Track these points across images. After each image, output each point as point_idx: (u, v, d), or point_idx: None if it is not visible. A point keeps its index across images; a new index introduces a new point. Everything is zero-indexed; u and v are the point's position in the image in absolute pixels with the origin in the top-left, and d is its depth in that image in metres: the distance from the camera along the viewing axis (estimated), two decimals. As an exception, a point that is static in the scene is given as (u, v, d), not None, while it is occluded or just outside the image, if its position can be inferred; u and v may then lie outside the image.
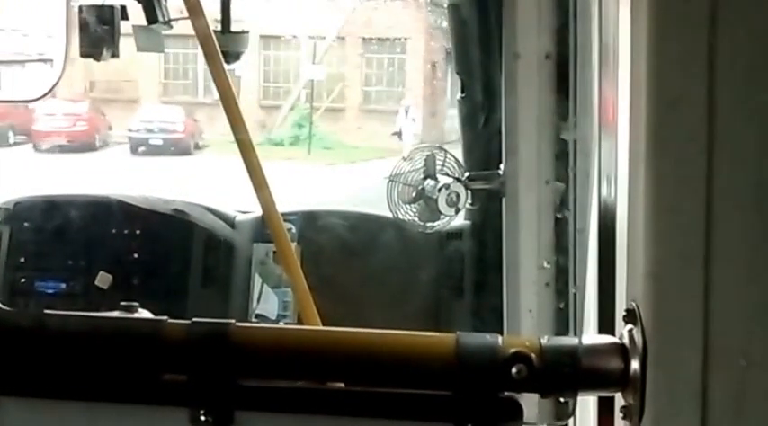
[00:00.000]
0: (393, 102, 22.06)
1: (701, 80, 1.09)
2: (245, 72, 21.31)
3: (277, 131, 22.12)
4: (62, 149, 19.41)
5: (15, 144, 19.58)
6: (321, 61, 22.21)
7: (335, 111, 22.48)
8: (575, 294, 2.35)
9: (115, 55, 2.98)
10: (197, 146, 20.94)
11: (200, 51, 2.82)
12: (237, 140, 2.71)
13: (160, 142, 20.18)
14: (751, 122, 1.10)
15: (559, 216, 2.49)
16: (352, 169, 18.78)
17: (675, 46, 1.10)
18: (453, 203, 2.79)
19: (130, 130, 20.55)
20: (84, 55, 2.95)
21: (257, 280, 3.54)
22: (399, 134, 20.71)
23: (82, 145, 19.78)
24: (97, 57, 2.98)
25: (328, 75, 22.35)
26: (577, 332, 2.28)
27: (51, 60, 2.92)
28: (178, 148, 19.93)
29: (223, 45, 2.80)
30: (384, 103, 22.43)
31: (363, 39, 22.40)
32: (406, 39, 21.34)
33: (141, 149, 20.18)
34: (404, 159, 2.89)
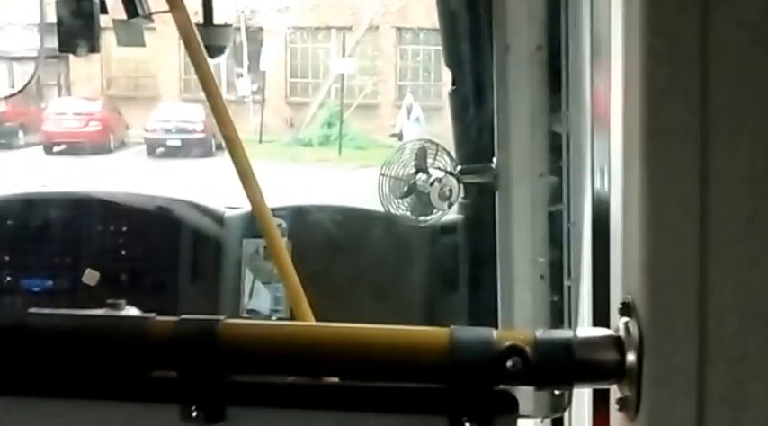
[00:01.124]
0: (431, 97, 20.43)
1: (694, 71, 1.09)
2: (271, 67, 20.58)
3: (305, 130, 20.92)
4: (73, 151, 18.41)
5: (27, 145, 18.73)
6: (352, 53, 21.10)
7: (369, 108, 21.22)
8: (569, 287, 2.35)
9: (95, 50, 2.95)
10: (219, 147, 19.15)
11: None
12: (224, 136, 2.71)
13: (178, 143, 19.14)
14: (745, 113, 1.09)
15: (552, 209, 2.49)
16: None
17: (667, 36, 1.10)
18: (446, 197, 2.78)
19: (146, 130, 19.54)
20: (62, 50, 2.93)
21: (248, 276, 3.53)
22: (399, 136, 18.97)
23: (95, 146, 18.71)
24: (75, 53, 2.96)
25: (360, 69, 21.24)
26: (572, 325, 2.29)
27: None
28: (198, 149, 18.75)
29: (206, 39, 2.79)
30: (420, 99, 20.83)
31: (398, 29, 21.28)
32: None
33: (159, 151, 19.23)
34: (395, 153, 2.88)
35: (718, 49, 1.08)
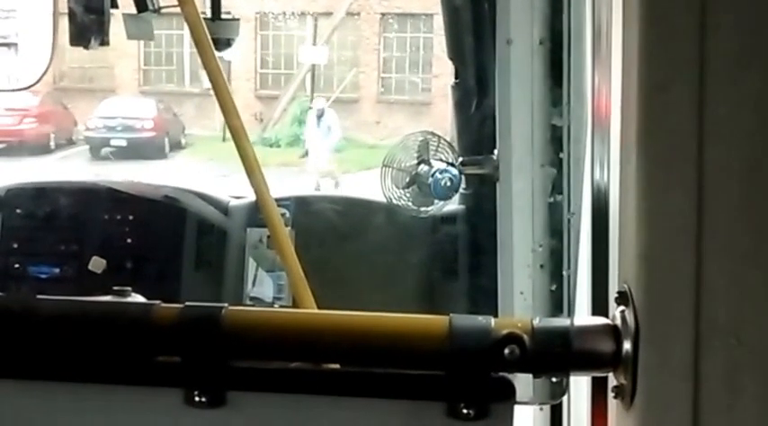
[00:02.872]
0: (419, 92, 18.31)
1: (692, 63, 1.10)
2: (239, 56, 17.82)
3: (274, 128, 18.44)
4: (3, 152, 16.09)
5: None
6: (328, 42, 18.69)
7: (348, 103, 18.72)
8: (568, 276, 2.37)
9: (105, 43, 2.98)
10: (179, 145, 17.64)
11: (186, 33, 2.82)
12: (229, 125, 2.73)
13: (124, 143, 16.85)
14: (742, 105, 1.10)
15: (552, 200, 2.51)
16: (368, 179, 13.92)
17: (666, 29, 1.11)
18: (447, 188, 2.80)
19: (88, 129, 17.32)
20: (73, 44, 2.95)
21: (251, 264, 3.56)
22: (306, 152, 16.06)
23: (32, 146, 16.25)
24: (86, 46, 2.98)
25: (339, 60, 18.98)
26: (570, 314, 2.30)
27: (15, 44, 2.88)
28: (148, 150, 16.56)
29: (213, 32, 2.81)
30: (408, 93, 18.91)
31: (382, 15, 18.98)
32: (432, 15, 17.00)
33: (106, 151, 16.97)
34: (398, 144, 2.91)
35: (715, 44, 1.09)
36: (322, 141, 15.72)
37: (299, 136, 17.53)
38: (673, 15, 1.10)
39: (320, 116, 16.18)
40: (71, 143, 17.66)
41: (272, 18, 19.25)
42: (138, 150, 16.50)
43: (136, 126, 17.18)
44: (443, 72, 16.96)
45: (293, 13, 18.67)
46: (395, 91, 19.51)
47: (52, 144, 17.36)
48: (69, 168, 16.04)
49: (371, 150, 16.53)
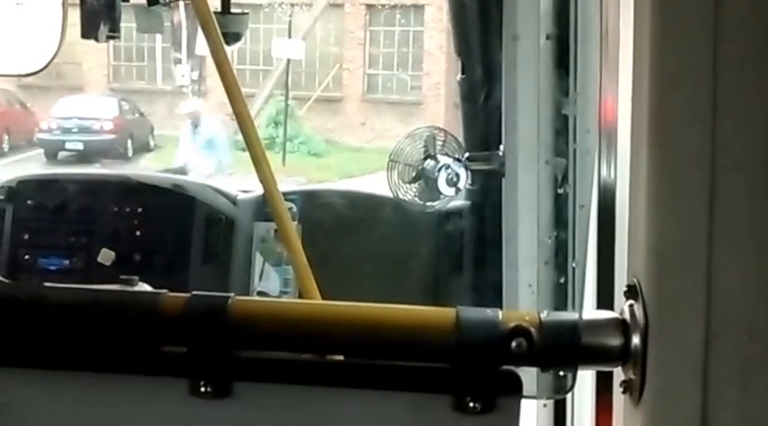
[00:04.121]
0: (409, 91, 16.76)
1: (705, 57, 1.09)
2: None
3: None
4: None
5: None
6: (309, 35, 16.95)
7: (331, 102, 17.53)
8: (574, 269, 2.37)
9: (116, 36, 2.99)
10: (146, 148, 16.29)
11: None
12: (238, 122, 2.74)
13: (80, 146, 15.31)
14: (755, 99, 1.10)
15: (559, 193, 2.51)
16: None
17: (679, 22, 1.10)
18: (453, 183, 2.81)
19: (41, 130, 15.81)
20: (84, 36, 2.96)
21: (258, 258, 3.57)
22: (181, 169, 10.99)
23: None
24: (98, 39, 2.99)
25: (321, 56, 17.51)
26: (575, 308, 2.30)
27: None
28: (108, 153, 15.15)
29: (223, 26, 2.83)
30: (397, 92, 17.38)
31: (368, 6, 17.61)
32: (423, 6, 16.19)
33: (63, 155, 15.41)
34: (405, 138, 2.91)
35: (730, 35, 1.09)
36: (201, 160, 11.85)
37: (275, 138, 15.68)
38: (685, 9, 1.10)
39: (196, 125, 12.52)
40: (32, 145, 16.06)
41: (249, 8, 17.73)
42: (97, 153, 15.17)
43: (93, 127, 15.62)
44: (435, 69, 16.53)
45: (272, 4, 16.89)
46: (382, 89, 18.04)
47: (5, 146, 15.97)
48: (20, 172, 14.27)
49: (356, 154, 15.52)
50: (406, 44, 17.46)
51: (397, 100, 17.28)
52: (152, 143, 16.72)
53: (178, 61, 15.59)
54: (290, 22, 16.67)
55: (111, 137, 15.56)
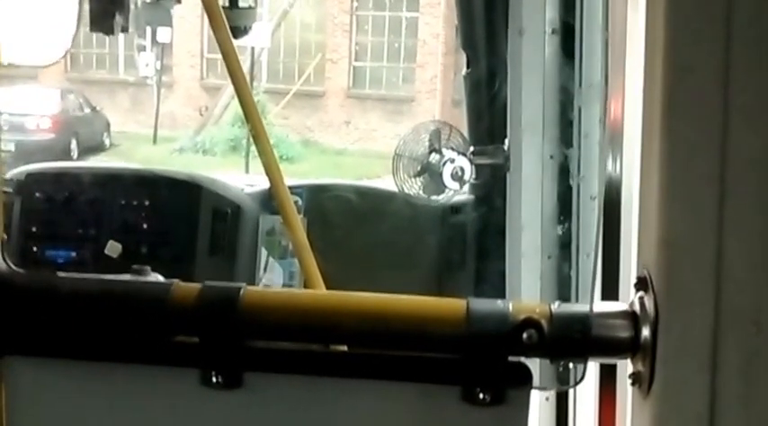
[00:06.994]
0: (400, 86, 14.92)
1: (719, 45, 1.09)
2: (182, 38, 14.61)
3: (211, 129, 14.60)
4: None
5: None
6: (282, 22, 15.04)
7: (311, 97, 15.53)
8: (578, 262, 2.37)
9: (125, 30, 3.00)
10: (99, 148, 14.61)
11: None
12: (244, 112, 2.74)
13: (11, 146, 12.43)
14: (767, 88, 1.10)
15: (565, 186, 2.52)
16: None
17: (692, 12, 1.10)
18: (458, 177, 2.81)
19: None
20: (93, 30, 2.97)
21: (264, 252, 3.59)
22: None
23: None
24: (106, 32, 3.00)
25: (303, 44, 15.46)
26: (580, 300, 2.31)
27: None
28: (46, 154, 12.00)
29: (230, 20, 2.84)
30: (386, 87, 15.51)
31: None
32: None
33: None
34: (410, 133, 2.92)
35: (742, 26, 1.09)
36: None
37: (240, 139, 13.58)
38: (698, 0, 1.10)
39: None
40: (-42, 144, 14.79)
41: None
42: (32, 155, 12.71)
43: (28, 125, 13.58)
44: (430, 61, 14.73)
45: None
46: (369, 83, 16.13)
47: None
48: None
49: (338, 157, 13.61)
50: (398, 32, 15.50)
51: (386, 95, 15.50)
52: (107, 142, 15.21)
53: (142, 48, 14.43)
54: (256, 2, 15.04)
55: (50, 136, 13.69)
